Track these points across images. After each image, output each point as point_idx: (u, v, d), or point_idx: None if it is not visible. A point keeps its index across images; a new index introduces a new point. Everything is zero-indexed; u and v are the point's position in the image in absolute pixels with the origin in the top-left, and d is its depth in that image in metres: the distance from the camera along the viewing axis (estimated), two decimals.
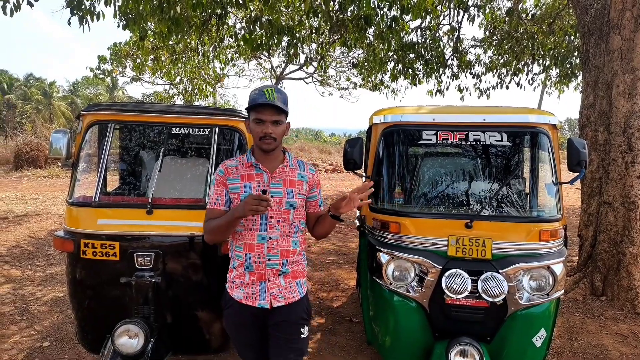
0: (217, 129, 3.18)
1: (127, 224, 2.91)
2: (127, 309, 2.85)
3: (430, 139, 3.11)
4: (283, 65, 22.44)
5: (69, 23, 5.76)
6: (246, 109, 2.06)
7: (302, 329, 2.13)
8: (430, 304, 2.82)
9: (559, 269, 2.76)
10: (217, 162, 3.18)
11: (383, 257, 2.92)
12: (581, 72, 6.29)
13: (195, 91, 13.85)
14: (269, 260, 2.05)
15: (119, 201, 3.20)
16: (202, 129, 3.24)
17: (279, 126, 2.02)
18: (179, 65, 11.20)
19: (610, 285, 5.06)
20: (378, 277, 2.96)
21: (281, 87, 23.00)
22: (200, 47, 9.60)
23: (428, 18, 8.98)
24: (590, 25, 5.36)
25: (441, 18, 9.25)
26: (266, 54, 20.61)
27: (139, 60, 10.95)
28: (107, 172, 3.75)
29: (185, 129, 3.25)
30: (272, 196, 2.02)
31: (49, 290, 5.09)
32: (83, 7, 5.64)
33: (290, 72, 23.26)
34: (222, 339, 3.12)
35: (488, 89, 10.87)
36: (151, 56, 10.21)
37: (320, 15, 6.91)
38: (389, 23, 6.86)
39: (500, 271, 2.69)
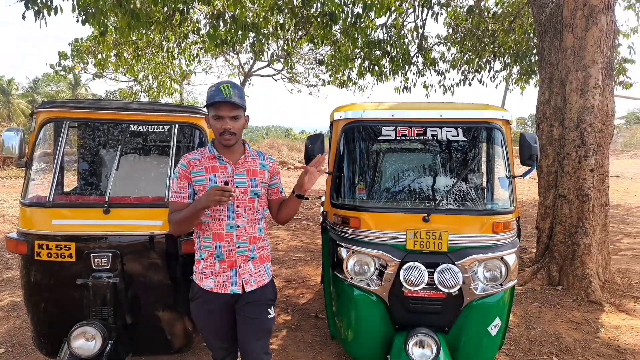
0: (177, 126, 3.15)
1: (83, 224, 2.85)
2: (85, 311, 2.79)
3: (390, 135, 3.16)
4: (251, 62, 22.32)
5: (24, 17, 5.57)
6: (205, 106, 2.14)
7: (269, 310, 2.27)
8: (390, 296, 2.87)
9: (511, 259, 2.86)
10: (177, 159, 3.15)
11: (343, 252, 2.96)
12: (537, 70, 6.49)
13: (161, 88, 13.59)
14: (238, 247, 2.17)
15: (75, 201, 3.12)
16: (161, 127, 3.20)
17: (237, 121, 2.12)
18: (143, 61, 10.97)
19: (566, 275, 5.26)
20: (339, 271, 3.00)
21: (249, 84, 22.93)
22: (164, 43, 9.42)
23: (393, 15, 9.09)
24: (546, 23, 5.54)
25: (405, 16, 9.38)
26: (232, 51, 20.46)
27: (100, 57, 10.65)
28: (63, 171, 3.68)
29: (144, 126, 3.20)
30: (237, 186, 2.15)
31: (5, 295, 4.92)
32: (39, 0, 5.45)
33: (259, 69, 23.17)
34: (184, 338, 3.10)
35: (452, 86, 11.10)
36: (113, 52, 9.95)
37: (285, 12, 6.90)
38: (353, 20, 6.91)
39: (456, 263, 2.77)
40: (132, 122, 3.14)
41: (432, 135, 3.14)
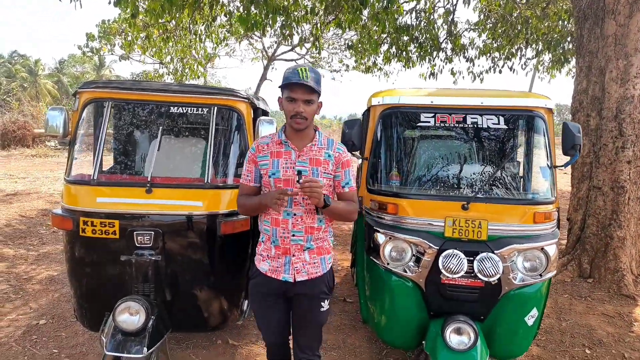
0: (216, 108, 3.17)
1: (127, 202, 2.91)
2: (127, 287, 2.86)
3: (428, 122, 3.13)
4: (275, 46, 22.23)
5: None
6: (279, 86, 2.12)
7: (322, 303, 2.25)
8: (427, 283, 2.87)
9: (552, 250, 2.83)
10: (215, 142, 3.19)
11: (380, 238, 2.96)
12: (574, 57, 6.32)
13: (186, 71, 13.66)
14: (293, 235, 2.15)
15: (118, 180, 3.19)
16: (200, 109, 3.23)
17: (310, 105, 2.08)
18: (170, 44, 11.02)
19: (598, 268, 5.19)
20: (375, 257, 3.01)
21: (272, 68, 22.87)
22: (192, 26, 9.44)
23: (422, 0, 8.94)
24: (586, 10, 5.38)
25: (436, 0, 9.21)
26: (258, 35, 20.40)
27: (129, 38, 10.72)
28: (104, 150, 3.75)
29: (184, 108, 3.23)
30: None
31: (42, 269, 5.09)
32: None
33: (282, 53, 23.03)
34: (220, 317, 3.16)
35: (481, 73, 10.90)
36: (142, 34, 10.02)
37: None
38: (384, 4, 6.82)
39: (495, 252, 2.75)
40: (172, 103, 3.18)
41: (472, 123, 3.10)
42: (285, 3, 7.18)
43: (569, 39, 9.07)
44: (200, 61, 14.21)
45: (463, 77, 11.00)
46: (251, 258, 3.06)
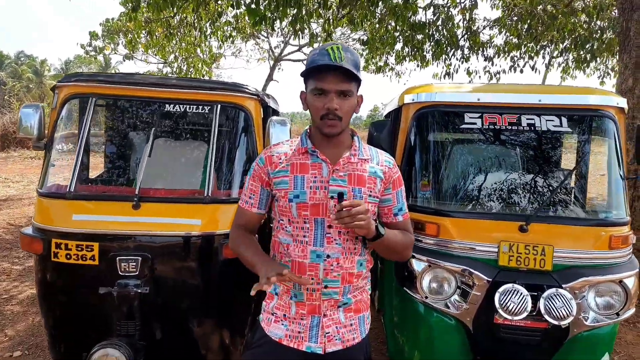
0: (219, 106, 2.67)
1: (109, 220, 2.40)
2: (108, 325, 2.35)
3: (475, 123, 2.60)
4: (282, 45, 21.79)
5: None
6: (302, 74, 1.50)
7: None
8: (475, 322, 2.34)
9: (631, 283, 2.29)
10: (218, 146, 2.67)
11: (417, 265, 2.43)
12: (618, 53, 5.77)
13: (191, 70, 13.18)
14: (325, 287, 1.49)
15: (100, 192, 2.68)
16: (201, 107, 2.71)
17: (347, 99, 1.45)
18: (174, 41, 10.55)
19: None
20: (409, 287, 2.48)
21: (279, 69, 22.43)
22: (196, 22, 8.96)
23: None
24: None
25: None
26: (265, 34, 19.95)
27: (131, 36, 10.27)
28: (87, 156, 3.24)
29: (182, 106, 2.71)
30: (331, 197, 1.46)
31: (26, 286, 4.57)
32: None
33: (289, 54, 22.61)
34: (220, 354, 2.63)
35: (498, 72, 10.37)
36: (144, 31, 9.55)
37: None
38: None
39: (563, 286, 2.21)
40: (168, 100, 2.67)
41: (528, 125, 2.56)
42: None
43: (595, 36, 8.52)
44: (206, 60, 13.74)
45: (479, 76, 10.44)
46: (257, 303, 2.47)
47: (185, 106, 2.68)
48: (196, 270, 2.45)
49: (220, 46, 12.66)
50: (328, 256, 1.48)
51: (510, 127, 2.59)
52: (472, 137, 2.82)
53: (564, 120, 2.54)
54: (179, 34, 10.02)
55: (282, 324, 1.54)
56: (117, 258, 2.32)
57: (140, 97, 2.68)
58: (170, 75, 14.60)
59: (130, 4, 7.12)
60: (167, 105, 2.66)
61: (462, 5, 8.60)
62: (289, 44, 21.24)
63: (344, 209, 1.33)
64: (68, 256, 2.34)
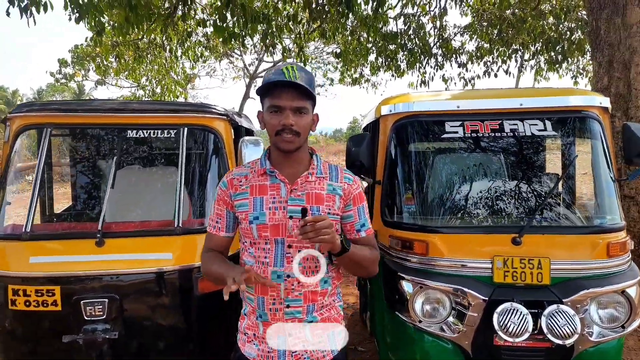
0: (186, 129, 2.50)
1: (71, 260, 2.20)
2: None
3: (456, 132, 2.48)
4: (256, 63, 21.71)
5: (8, 14, 4.94)
6: (257, 91, 1.50)
7: None
8: (474, 345, 2.19)
9: (634, 292, 2.17)
10: (187, 173, 2.50)
11: (407, 287, 2.28)
12: (590, 52, 5.79)
13: (165, 92, 12.95)
14: (287, 307, 1.48)
15: (61, 230, 2.47)
16: (166, 131, 2.54)
17: (302, 116, 1.46)
18: (145, 64, 10.34)
19: None
20: (401, 311, 2.32)
21: (255, 86, 22.30)
22: (165, 43, 8.79)
23: (412, 6, 8.44)
24: None
25: (424, 3, 8.71)
26: (238, 53, 19.83)
27: (99, 60, 10.03)
28: (50, 190, 3.03)
29: (146, 131, 2.54)
30: (290, 217, 1.46)
31: None
32: None
33: (264, 71, 22.52)
34: None
35: (473, 78, 10.43)
36: (113, 54, 9.33)
37: (297, 0, 6.27)
38: (374, 5, 6.24)
39: (564, 300, 2.08)
40: (130, 126, 2.49)
41: (511, 130, 2.46)
42: (265, 11, 6.58)
43: (564, 37, 8.63)
44: (179, 81, 13.54)
45: (455, 83, 10.49)
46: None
47: (149, 131, 2.51)
48: (170, 308, 2.26)
49: (193, 66, 12.45)
50: (288, 276, 1.47)
51: (493, 134, 2.48)
52: (455, 146, 2.70)
53: (548, 123, 2.44)
54: (149, 56, 9.84)
55: (254, 344, 1.53)
56: (82, 302, 2.13)
57: (100, 125, 2.50)
58: (144, 98, 14.34)
59: (95, 29, 6.93)
60: (129, 132, 2.49)
61: (432, 13, 8.63)
62: (263, 60, 21.19)
63: (307, 224, 1.29)
64: (27, 303, 2.14)
